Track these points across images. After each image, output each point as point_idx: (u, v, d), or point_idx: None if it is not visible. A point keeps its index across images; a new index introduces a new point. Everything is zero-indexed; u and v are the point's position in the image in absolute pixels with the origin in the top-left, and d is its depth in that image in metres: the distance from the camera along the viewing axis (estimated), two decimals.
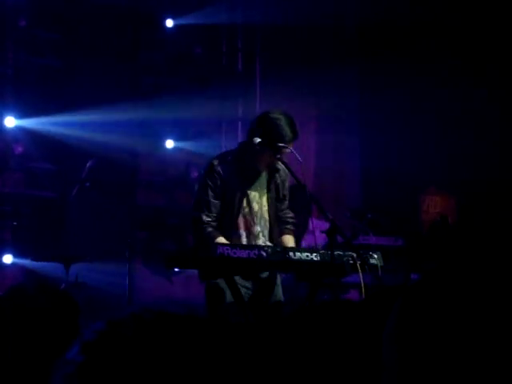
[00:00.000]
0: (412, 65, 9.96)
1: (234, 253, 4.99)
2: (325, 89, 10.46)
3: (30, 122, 9.11)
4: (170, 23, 10.18)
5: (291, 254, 5.17)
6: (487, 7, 9.73)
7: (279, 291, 5.69)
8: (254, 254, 5.03)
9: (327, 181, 10.22)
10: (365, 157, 10.75)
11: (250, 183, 5.64)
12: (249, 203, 5.62)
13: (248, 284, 5.53)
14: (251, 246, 5.23)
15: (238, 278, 5.40)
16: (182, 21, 10.14)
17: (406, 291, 1.30)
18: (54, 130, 9.15)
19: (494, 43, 9.82)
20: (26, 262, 8.75)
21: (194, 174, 9.45)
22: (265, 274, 5.60)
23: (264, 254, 5.06)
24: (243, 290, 5.44)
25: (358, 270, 5.12)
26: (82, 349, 1.16)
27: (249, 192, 5.62)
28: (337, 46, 10.30)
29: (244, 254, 5.01)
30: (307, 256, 5.19)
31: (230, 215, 5.55)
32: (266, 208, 5.70)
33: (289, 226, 5.83)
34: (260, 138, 5.47)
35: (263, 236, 5.66)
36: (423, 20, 9.89)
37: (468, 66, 9.95)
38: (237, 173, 5.58)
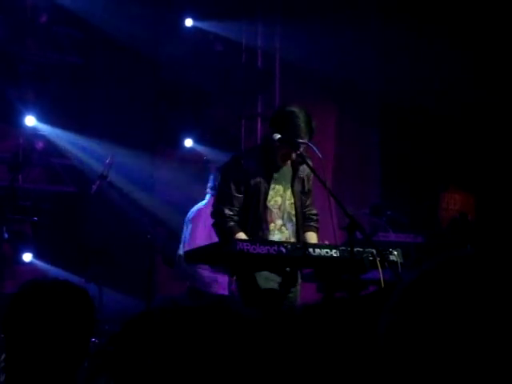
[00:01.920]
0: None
1: (254, 249, 5.00)
2: (344, 86, 10.44)
3: (48, 130, 9.16)
4: (189, 23, 10.17)
5: (311, 250, 5.17)
6: None
7: (297, 291, 5.69)
8: (274, 250, 5.04)
9: (347, 177, 10.20)
10: (385, 154, 10.73)
11: (273, 177, 5.65)
12: (272, 197, 5.64)
13: (278, 279, 5.53)
14: (271, 242, 5.24)
15: (267, 273, 5.43)
16: (201, 25, 10.18)
17: (402, 287, 1.30)
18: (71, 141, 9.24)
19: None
20: (44, 265, 8.79)
21: (213, 170, 9.45)
22: (287, 271, 5.60)
23: (283, 250, 5.07)
24: (271, 284, 5.45)
25: (377, 267, 5.11)
26: (111, 340, 1.18)
27: (272, 186, 5.64)
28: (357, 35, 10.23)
29: (263, 250, 5.02)
30: (327, 252, 5.20)
31: (254, 209, 5.56)
32: (290, 201, 5.70)
33: (312, 223, 5.83)
34: (278, 132, 5.48)
35: (286, 230, 5.67)
36: None
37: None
38: (261, 167, 5.60)
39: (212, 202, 7.49)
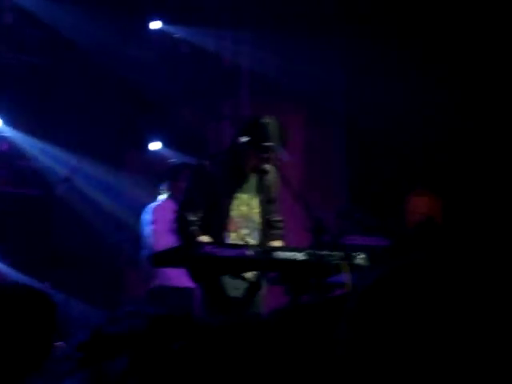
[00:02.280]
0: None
1: (220, 251, 4.97)
2: (312, 87, 10.45)
3: (12, 132, 9.08)
4: (155, 25, 10.11)
5: (277, 253, 5.16)
6: None
7: (262, 295, 5.69)
8: (240, 252, 5.02)
9: (314, 181, 10.20)
10: (352, 156, 10.75)
11: (239, 185, 5.62)
12: (237, 205, 5.60)
13: (238, 284, 5.51)
14: (237, 245, 5.23)
15: (231, 278, 5.41)
16: (167, 28, 10.15)
17: (358, 292, 1.28)
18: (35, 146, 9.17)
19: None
20: (7, 269, 8.69)
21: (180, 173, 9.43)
22: (252, 276, 5.58)
23: (250, 253, 5.05)
24: (234, 291, 5.43)
25: (343, 270, 5.10)
26: (79, 347, 1.14)
27: (238, 194, 5.61)
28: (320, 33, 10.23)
29: (229, 252, 5.00)
30: (293, 255, 5.19)
31: (218, 217, 5.53)
32: (255, 210, 5.68)
33: (277, 232, 5.82)
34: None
35: (251, 239, 5.64)
36: None
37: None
38: (226, 174, 5.56)
39: (164, 198, 7.60)
